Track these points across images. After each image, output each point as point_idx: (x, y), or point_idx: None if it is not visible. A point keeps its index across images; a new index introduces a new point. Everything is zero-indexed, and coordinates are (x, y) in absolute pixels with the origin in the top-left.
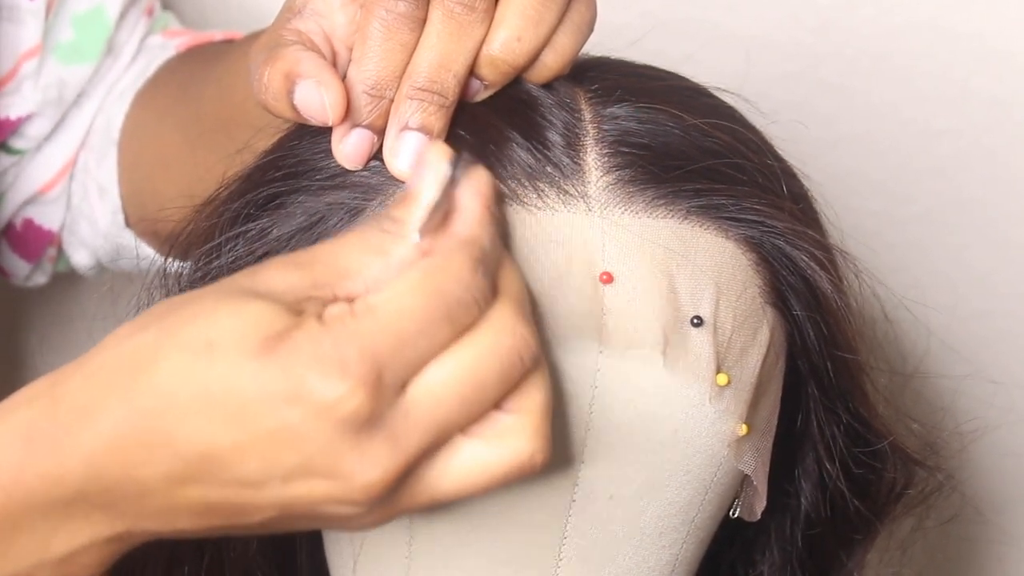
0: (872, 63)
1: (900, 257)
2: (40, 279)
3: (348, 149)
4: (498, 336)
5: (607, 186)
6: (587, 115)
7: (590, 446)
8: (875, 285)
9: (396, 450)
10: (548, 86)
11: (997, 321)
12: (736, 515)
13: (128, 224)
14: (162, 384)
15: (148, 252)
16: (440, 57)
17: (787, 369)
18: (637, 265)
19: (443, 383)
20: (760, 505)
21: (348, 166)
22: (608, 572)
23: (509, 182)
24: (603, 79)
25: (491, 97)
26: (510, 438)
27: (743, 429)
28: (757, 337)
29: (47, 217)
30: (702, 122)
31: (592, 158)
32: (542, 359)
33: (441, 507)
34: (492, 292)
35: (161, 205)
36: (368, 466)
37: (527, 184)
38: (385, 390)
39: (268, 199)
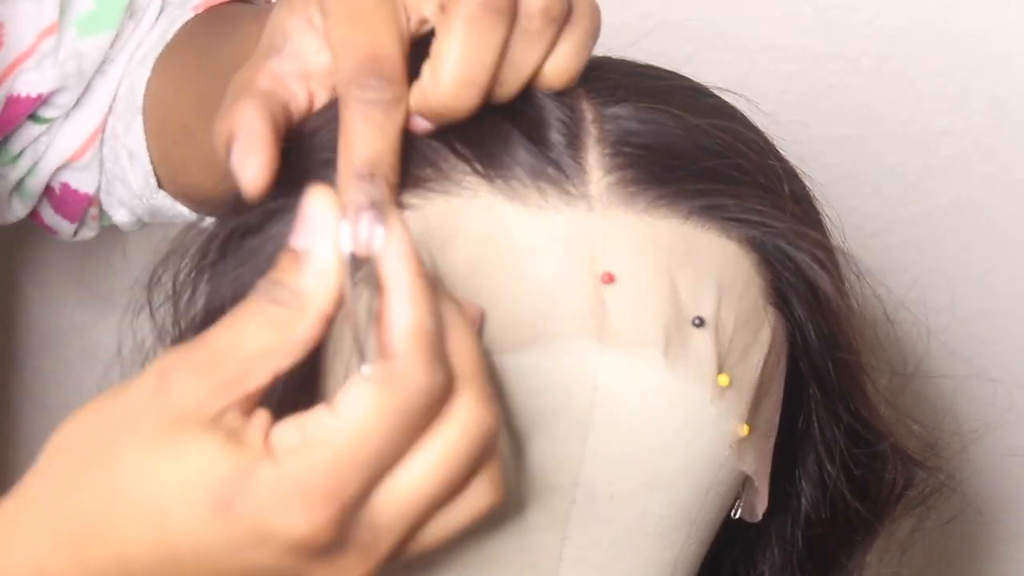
0: (873, 64)
1: (900, 257)
2: (88, 234)
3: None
4: (465, 433)
5: (609, 186)
6: (589, 115)
7: (591, 446)
8: (876, 286)
9: (368, 559)
10: None
11: (997, 321)
12: (737, 516)
13: (161, 186)
14: (125, 554)
15: (184, 212)
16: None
17: (788, 370)
18: (639, 265)
19: (411, 491)
20: (762, 506)
21: None
22: (609, 573)
23: (511, 182)
24: (605, 79)
25: None
26: (469, 496)
27: (744, 429)
28: (759, 337)
29: (82, 182)
30: (704, 122)
31: (594, 158)
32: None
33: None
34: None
35: (190, 171)
36: None
37: (529, 184)
38: (349, 515)
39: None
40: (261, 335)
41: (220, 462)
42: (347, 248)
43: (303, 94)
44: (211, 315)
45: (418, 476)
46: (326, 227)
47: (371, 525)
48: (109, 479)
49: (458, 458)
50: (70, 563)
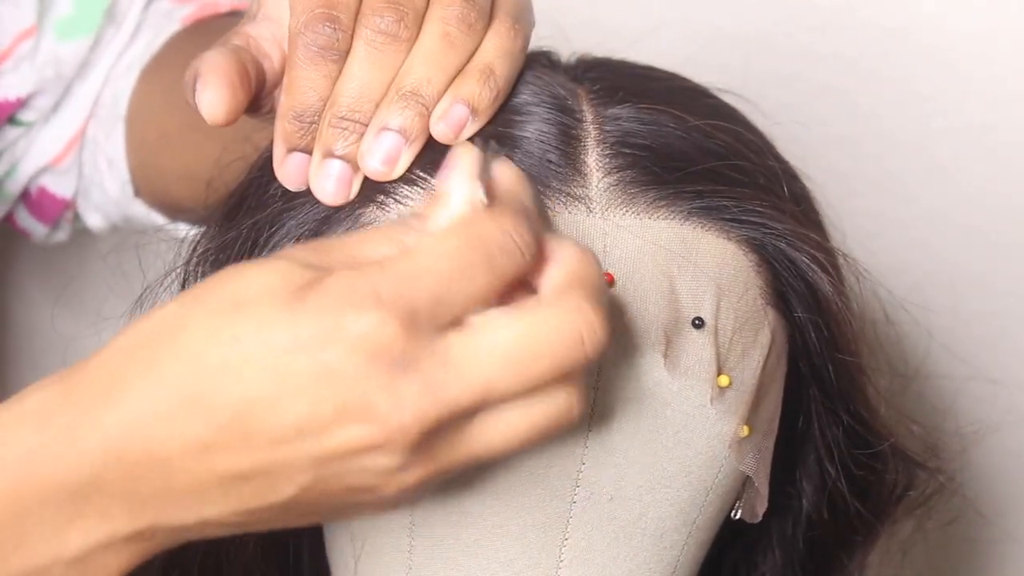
0: (873, 63)
1: (901, 258)
2: (60, 237)
3: (286, 172)
4: (561, 313)
5: (608, 187)
6: (588, 116)
7: (591, 447)
8: (876, 287)
9: (432, 397)
10: (549, 87)
11: (998, 322)
12: (738, 516)
13: (138, 194)
14: (189, 348)
15: (158, 220)
16: (361, 87)
17: (788, 371)
18: (638, 266)
19: (489, 343)
20: (762, 506)
21: (289, 187)
22: (609, 573)
23: None
24: (604, 80)
25: None
26: (549, 396)
27: (744, 430)
28: (758, 338)
29: (60, 186)
30: (703, 123)
31: (593, 159)
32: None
33: (471, 472)
34: (540, 250)
35: (167, 182)
36: (401, 406)
37: None
38: (420, 329)
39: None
40: (380, 244)
41: (305, 272)
42: (472, 196)
43: (276, 56)
44: None
45: (498, 332)
46: (463, 170)
47: (443, 357)
48: (192, 292)
49: (548, 336)
50: (141, 373)
